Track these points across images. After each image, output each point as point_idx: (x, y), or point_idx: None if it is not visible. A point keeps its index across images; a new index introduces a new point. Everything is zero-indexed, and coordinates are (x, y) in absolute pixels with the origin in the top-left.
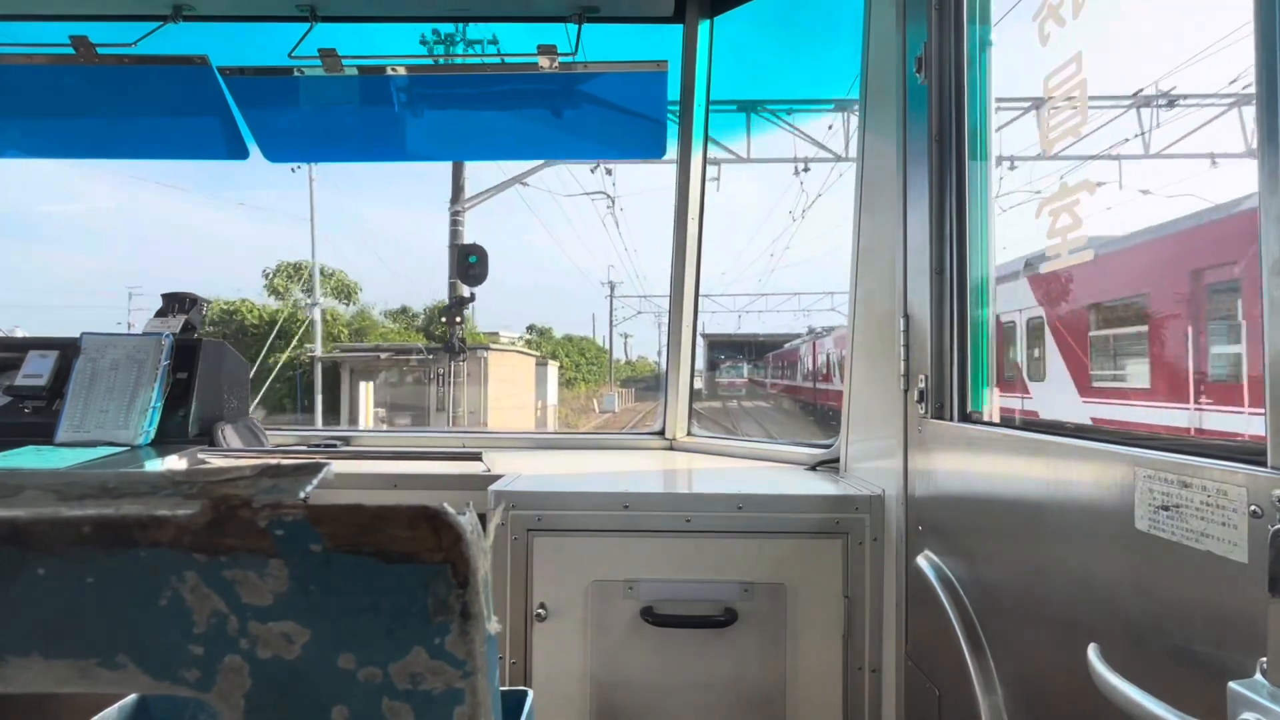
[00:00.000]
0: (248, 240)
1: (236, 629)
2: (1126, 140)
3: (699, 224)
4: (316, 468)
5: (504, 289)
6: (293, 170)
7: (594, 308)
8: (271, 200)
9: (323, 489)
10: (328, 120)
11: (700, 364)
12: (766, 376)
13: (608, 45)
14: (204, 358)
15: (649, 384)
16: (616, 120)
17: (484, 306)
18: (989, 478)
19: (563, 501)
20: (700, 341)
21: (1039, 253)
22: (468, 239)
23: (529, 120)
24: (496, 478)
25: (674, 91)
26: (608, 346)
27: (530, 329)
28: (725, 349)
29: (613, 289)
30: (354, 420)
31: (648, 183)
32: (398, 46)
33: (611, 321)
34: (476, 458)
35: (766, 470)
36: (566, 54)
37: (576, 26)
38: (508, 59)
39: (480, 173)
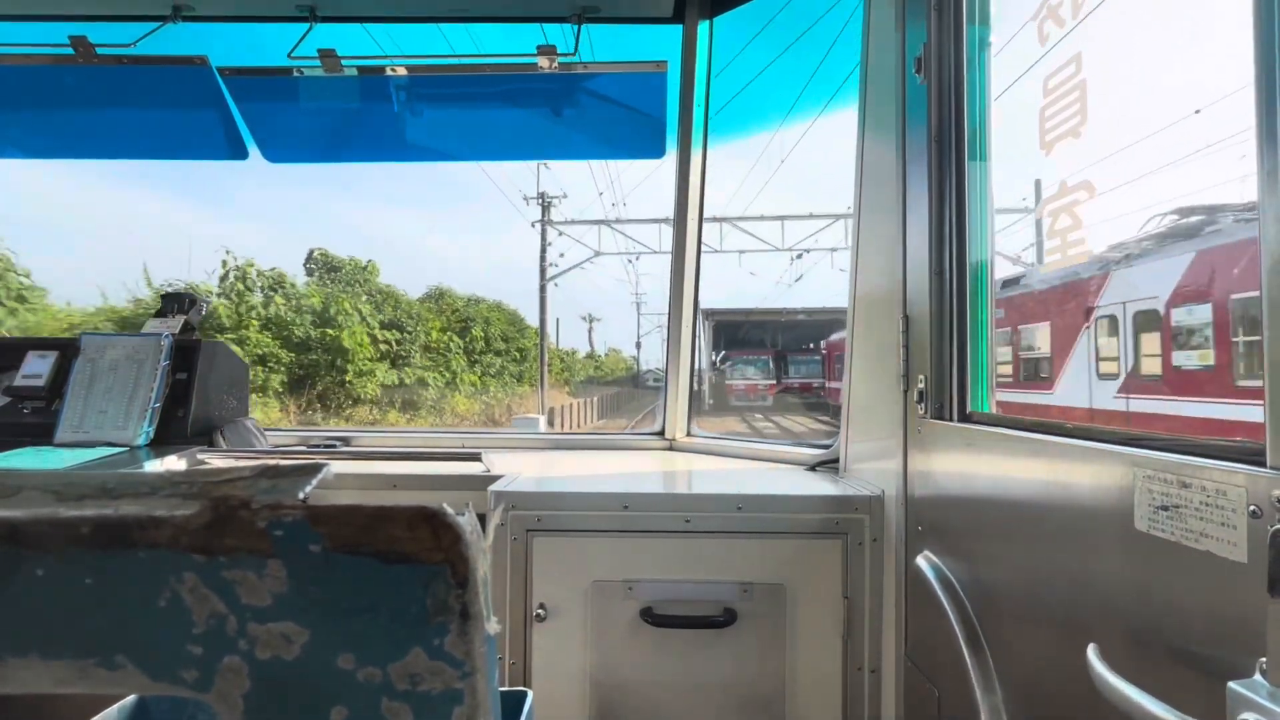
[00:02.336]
0: None
1: (235, 629)
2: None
3: (699, 223)
4: (315, 468)
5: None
6: None
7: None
8: None
9: (322, 489)
10: (327, 121)
11: (701, 359)
12: (825, 375)
13: (607, 46)
14: (203, 358)
15: (625, 386)
16: (616, 120)
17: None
18: (988, 478)
19: (562, 502)
20: (702, 324)
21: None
22: None
23: (529, 120)
24: (496, 478)
25: (674, 92)
26: (559, 327)
27: (311, 261)
28: (741, 335)
29: (545, 208)
30: None
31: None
32: (397, 47)
33: (544, 266)
34: (476, 458)
35: (766, 471)
36: (566, 54)
37: (576, 27)
38: (508, 59)
39: None
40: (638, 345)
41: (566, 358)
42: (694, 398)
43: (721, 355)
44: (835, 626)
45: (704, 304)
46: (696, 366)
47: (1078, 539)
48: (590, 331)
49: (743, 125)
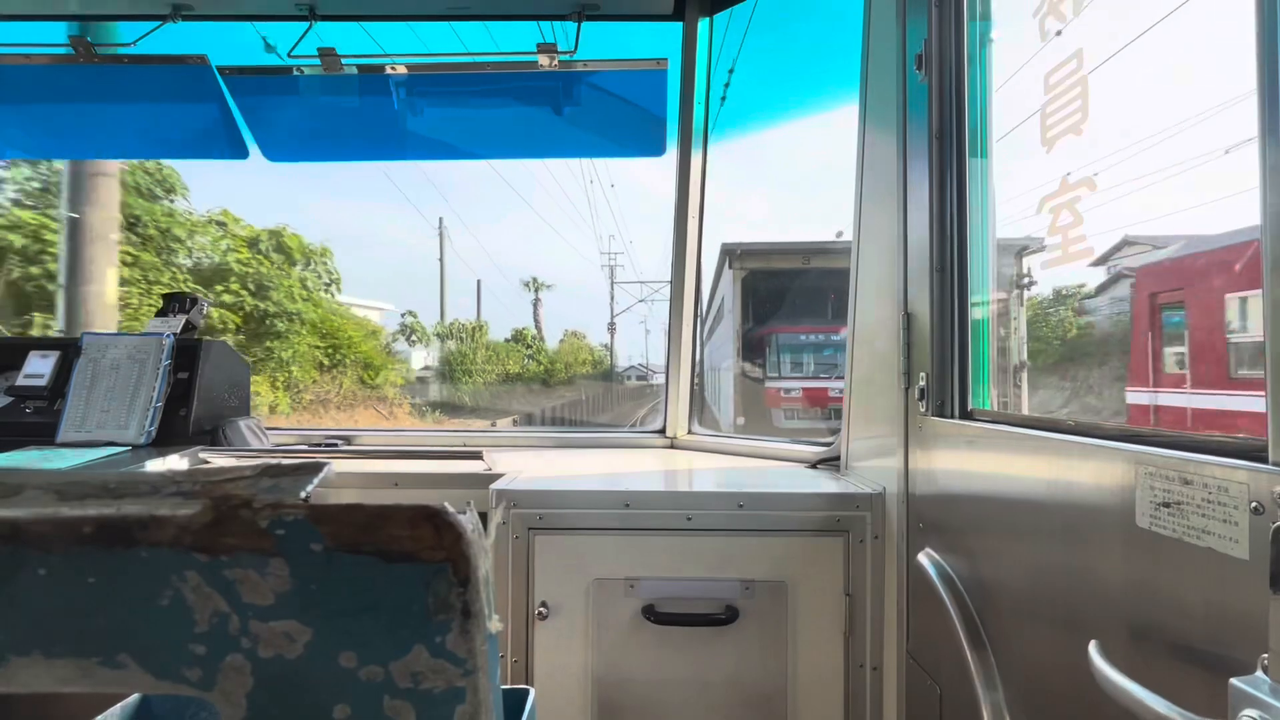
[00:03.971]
0: None
1: (238, 628)
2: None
3: (699, 222)
4: (317, 467)
5: None
6: None
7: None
8: None
9: (323, 488)
10: (327, 120)
11: (714, 347)
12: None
13: (607, 44)
14: (205, 357)
15: (594, 385)
16: (617, 118)
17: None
18: (990, 475)
19: (564, 500)
20: (722, 275)
21: None
22: None
23: (529, 119)
24: (497, 476)
25: (674, 90)
26: (480, 295)
27: None
28: (793, 294)
29: None
30: None
31: None
32: (397, 45)
33: None
34: (477, 456)
35: (767, 468)
36: (566, 52)
37: (576, 25)
38: (508, 58)
39: None
40: (611, 328)
41: (447, 336)
42: (704, 408)
43: (748, 331)
44: (837, 624)
45: (728, 238)
46: (703, 359)
47: (1079, 536)
48: (536, 305)
49: (744, 122)
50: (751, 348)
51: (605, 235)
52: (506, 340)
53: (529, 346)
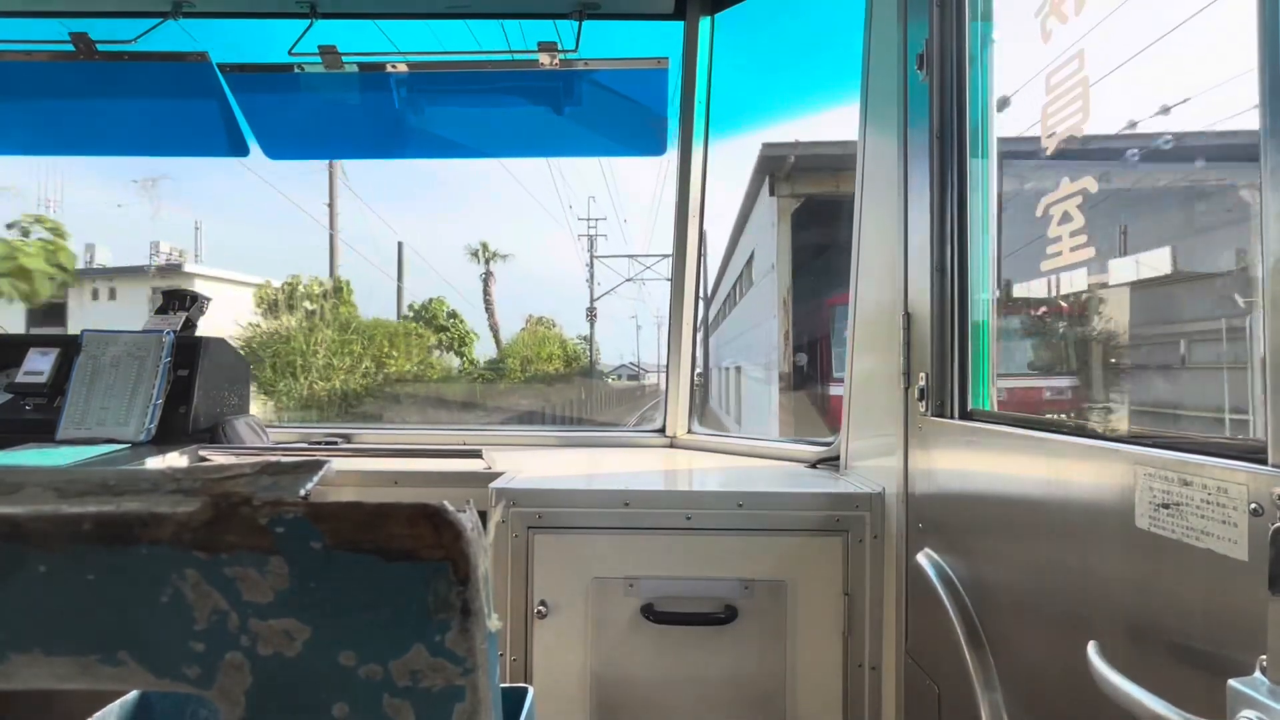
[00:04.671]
0: None
1: (237, 626)
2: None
3: (699, 222)
4: (317, 465)
5: None
6: None
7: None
8: None
9: (323, 486)
10: (328, 117)
11: (737, 330)
12: None
13: (608, 42)
14: (205, 355)
15: (569, 390)
16: (617, 118)
17: None
18: (989, 475)
19: (563, 499)
20: (756, 207)
21: None
22: None
23: (529, 117)
24: (497, 475)
25: (675, 89)
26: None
27: None
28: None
29: None
30: None
31: None
32: (398, 43)
33: None
34: (477, 455)
35: (767, 468)
36: (567, 51)
37: (577, 23)
38: (509, 56)
39: None
40: (590, 315)
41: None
42: (694, 389)
43: (798, 301)
44: (836, 624)
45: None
46: (709, 352)
47: (1078, 537)
48: (487, 280)
49: (745, 122)
50: (804, 329)
51: (586, 198)
52: (406, 318)
53: (443, 329)
